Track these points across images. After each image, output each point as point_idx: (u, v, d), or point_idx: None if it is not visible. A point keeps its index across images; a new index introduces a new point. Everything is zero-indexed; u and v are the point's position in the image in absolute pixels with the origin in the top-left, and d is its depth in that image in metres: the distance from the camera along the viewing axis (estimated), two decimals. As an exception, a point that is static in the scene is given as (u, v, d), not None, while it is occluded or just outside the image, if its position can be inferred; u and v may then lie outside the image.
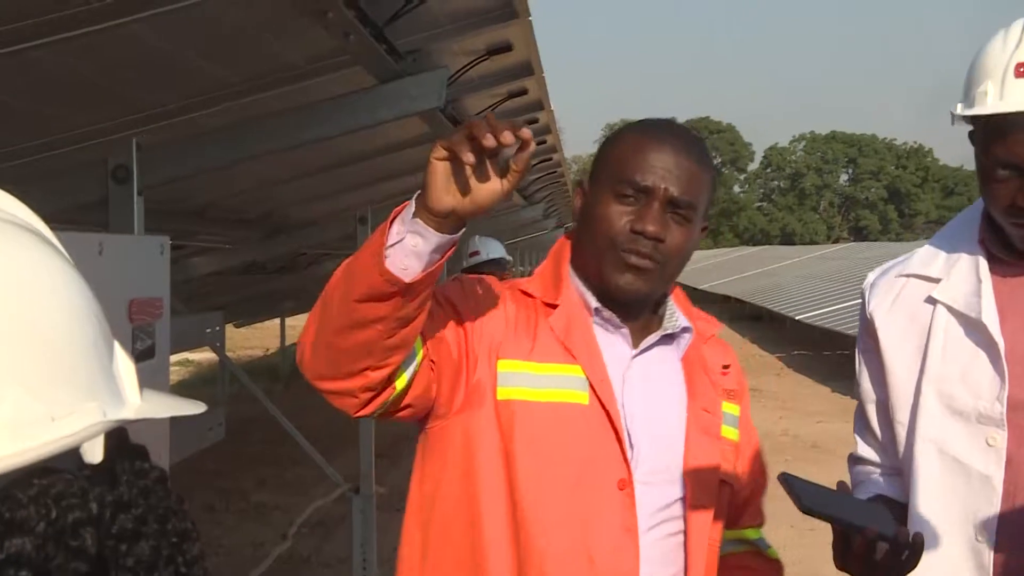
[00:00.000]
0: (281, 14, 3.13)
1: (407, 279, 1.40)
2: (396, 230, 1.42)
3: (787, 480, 1.63)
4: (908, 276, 1.87)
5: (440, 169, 1.38)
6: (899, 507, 1.80)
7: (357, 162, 6.12)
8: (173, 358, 3.78)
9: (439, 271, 1.45)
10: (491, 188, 1.40)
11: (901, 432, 1.81)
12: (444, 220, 1.41)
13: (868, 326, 1.91)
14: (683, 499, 1.71)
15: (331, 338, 1.48)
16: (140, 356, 2.79)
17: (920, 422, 1.74)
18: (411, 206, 1.43)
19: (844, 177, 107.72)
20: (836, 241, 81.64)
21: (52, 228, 0.83)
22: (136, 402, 0.78)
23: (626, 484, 1.65)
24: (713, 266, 40.76)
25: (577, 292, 1.76)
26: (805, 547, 6.64)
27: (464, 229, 1.46)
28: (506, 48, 4.72)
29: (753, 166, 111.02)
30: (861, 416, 1.95)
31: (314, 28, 3.09)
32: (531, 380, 1.65)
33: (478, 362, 1.65)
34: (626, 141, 1.75)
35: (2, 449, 0.67)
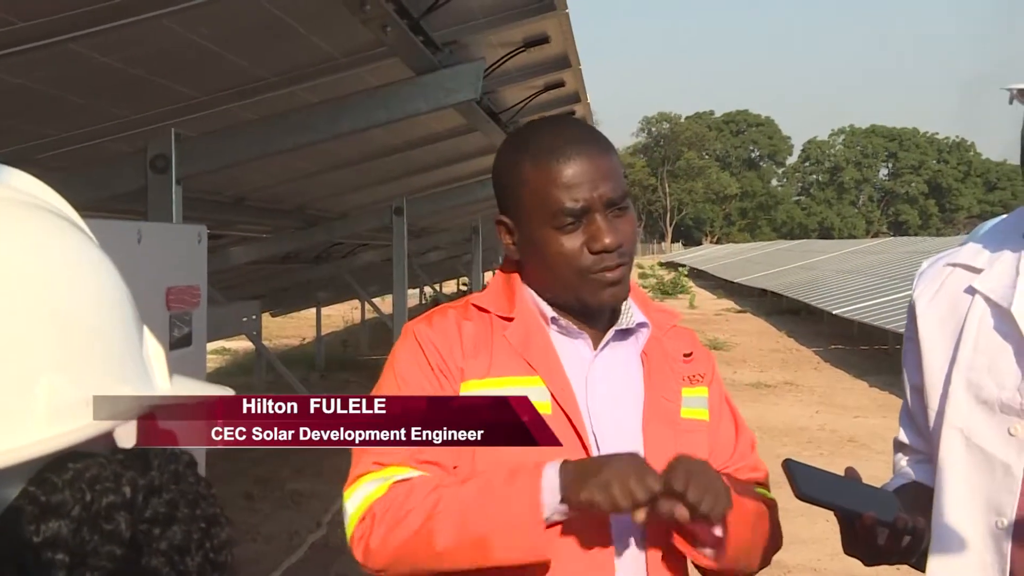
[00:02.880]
0: (318, 7, 3.15)
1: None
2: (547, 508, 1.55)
3: (789, 467, 1.61)
4: (955, 265, 1.86)
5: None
6: (931, 494, 1.79)
7: (393, 153, 6.15)
8: (210, 346, 3.82)
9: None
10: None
11: (933, 418, 1.81)
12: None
13: (912, 313, 1.91)
14: None
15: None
16: (177, 344, 2.82)
17: (948, 410, 1.74)
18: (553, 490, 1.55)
19: (884, 171, 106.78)
20: (875, 236, 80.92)
21: (91, 217, 0.84)
22: (166, 387, 0.79)
23: None
24: (750, 260, 40.49)
25: (532, 303, 1.75)
26: (840, 543, 6.59)
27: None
28: (543, 40, 4.72)
29: (792, 160, 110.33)
30: (904, 402, 1.95)
31: (350, 21, 3.10)
32: None
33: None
34: (534, 170, 1.68)
35: (39, 433, 0.68)
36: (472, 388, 1.67)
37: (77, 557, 0.70)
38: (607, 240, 1.66)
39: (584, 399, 1.69)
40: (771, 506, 1.81)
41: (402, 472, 1.65)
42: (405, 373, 1.73)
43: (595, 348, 1.75)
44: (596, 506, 1.49)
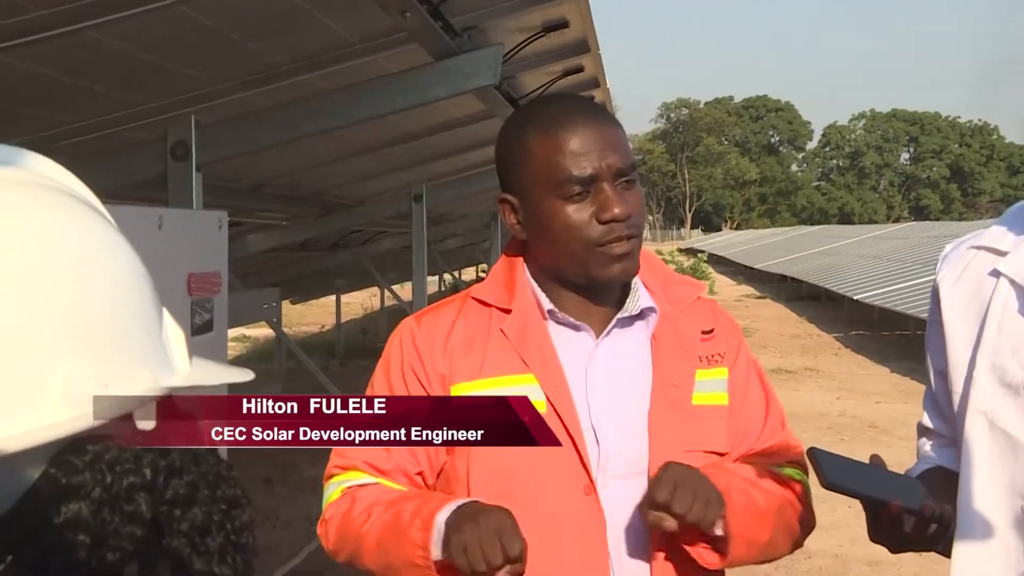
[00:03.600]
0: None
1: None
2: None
3: (814, 455, 1.59)
4: (979, 248, 1.84)
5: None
6: (955, 478, 1.78)
7: (412, 140, 6.14)
8: (231, 333, 3.83)
9: None
10: None
11: (956, 402, 1.80)
12: None
13: (935, 296, 1.89)
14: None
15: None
16: (198, 330, 2.83)
17: (973, 393, 1.73)
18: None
19: (905, 156, 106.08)
20: (896, 221, 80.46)
21: (112, 204, 0.84)
22: (185, 370, 0.79)
23: (591, 489, 1.61)
24: (770, 245, 40.32)
25: (532, 295, 1.70)
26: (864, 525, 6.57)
27: None
28: (562, 25, 4.70)
29: (812, 145, 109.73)
30: (928, 387, 1.94)
31: (368, 6, 3.09)
32: None
33: None
34: (540, 141, 1.64)
35: (58, 415, 0.68)
36: (462, 391, 1.63)
37: (98, 538, 0.70)
38: (616, 210, 1.60)
39: (583, 394, 1.64)
40: (801, 490, 1.76)
41: (357, 477, 1.67)
42: (380, 380, 1.73)
43: (598, 335, 1.69)
44: (458, 567, 1.47)
